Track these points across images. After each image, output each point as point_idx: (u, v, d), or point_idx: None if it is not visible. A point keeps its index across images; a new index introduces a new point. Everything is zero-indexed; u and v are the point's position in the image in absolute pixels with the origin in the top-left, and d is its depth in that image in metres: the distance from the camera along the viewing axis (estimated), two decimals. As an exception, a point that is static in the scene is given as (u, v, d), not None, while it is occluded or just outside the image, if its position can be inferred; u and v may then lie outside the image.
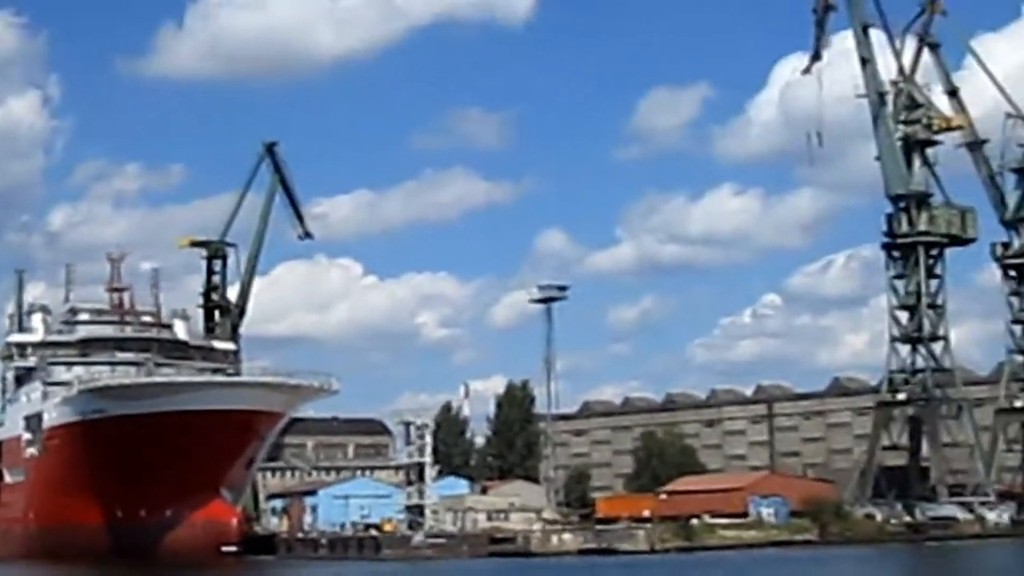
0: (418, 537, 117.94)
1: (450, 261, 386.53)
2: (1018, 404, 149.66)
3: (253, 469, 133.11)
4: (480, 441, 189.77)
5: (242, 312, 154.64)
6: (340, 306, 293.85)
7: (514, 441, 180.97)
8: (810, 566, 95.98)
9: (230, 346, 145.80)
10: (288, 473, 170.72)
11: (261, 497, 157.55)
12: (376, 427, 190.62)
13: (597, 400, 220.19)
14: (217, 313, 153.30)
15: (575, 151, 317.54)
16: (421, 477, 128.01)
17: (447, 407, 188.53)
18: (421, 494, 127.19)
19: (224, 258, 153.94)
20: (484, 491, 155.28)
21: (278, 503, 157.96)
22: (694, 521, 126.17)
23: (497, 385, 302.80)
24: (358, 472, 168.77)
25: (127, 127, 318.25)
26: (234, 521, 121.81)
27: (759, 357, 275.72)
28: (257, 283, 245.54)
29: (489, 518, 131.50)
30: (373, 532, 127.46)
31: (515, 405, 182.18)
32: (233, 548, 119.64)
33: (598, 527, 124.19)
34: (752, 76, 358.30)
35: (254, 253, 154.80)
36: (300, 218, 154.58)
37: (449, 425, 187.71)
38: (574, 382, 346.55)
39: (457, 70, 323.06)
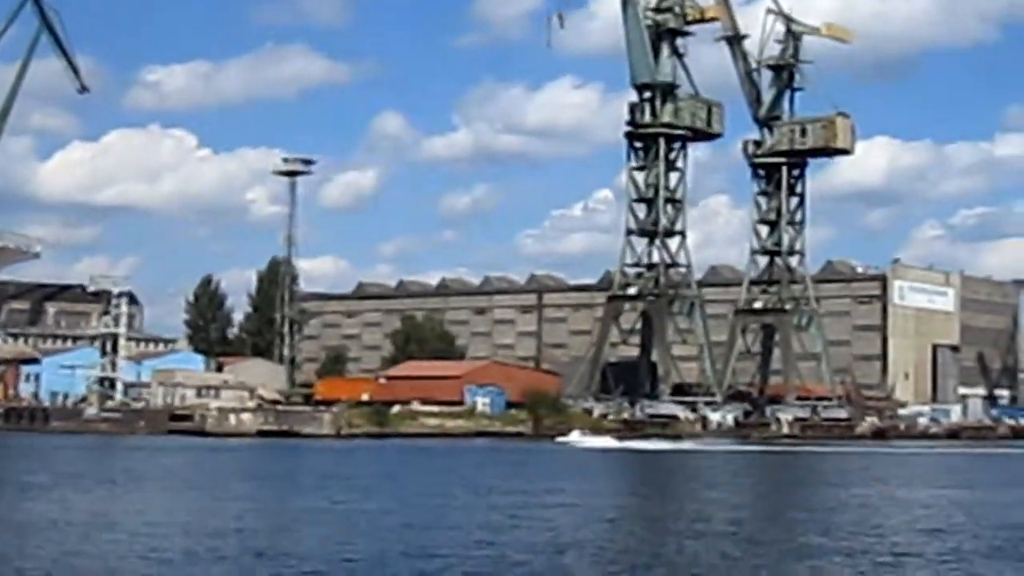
0: (90, 410, 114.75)
1: (285, 138, 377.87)
2: (757, 305, 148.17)
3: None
4: (240, 317, 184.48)
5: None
6: (171, 177, 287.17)
7: (275, 319, 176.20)
8: (462, 455, 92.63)
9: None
10: (26, 339, 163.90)
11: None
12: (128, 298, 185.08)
13: (372, 282, 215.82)
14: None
15: (416, 35, 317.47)
16: (115, 349, 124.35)
17: (207, 280, 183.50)
18: (113, 366, 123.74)
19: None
20: (220, 368, 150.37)
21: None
22: (396, 408, 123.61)
23: (324, 264, 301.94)
24: (96, 342, 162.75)
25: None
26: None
27: (588, 251, 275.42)
28: (87, 149, 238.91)
29: (199, 394, 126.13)
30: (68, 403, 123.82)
31: (276, 283, 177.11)
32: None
33: (279, 408, 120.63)
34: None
35: (5, 108, 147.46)
36: (75, 71, 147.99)
37: (208, 299, 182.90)
38: (402, 265, 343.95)
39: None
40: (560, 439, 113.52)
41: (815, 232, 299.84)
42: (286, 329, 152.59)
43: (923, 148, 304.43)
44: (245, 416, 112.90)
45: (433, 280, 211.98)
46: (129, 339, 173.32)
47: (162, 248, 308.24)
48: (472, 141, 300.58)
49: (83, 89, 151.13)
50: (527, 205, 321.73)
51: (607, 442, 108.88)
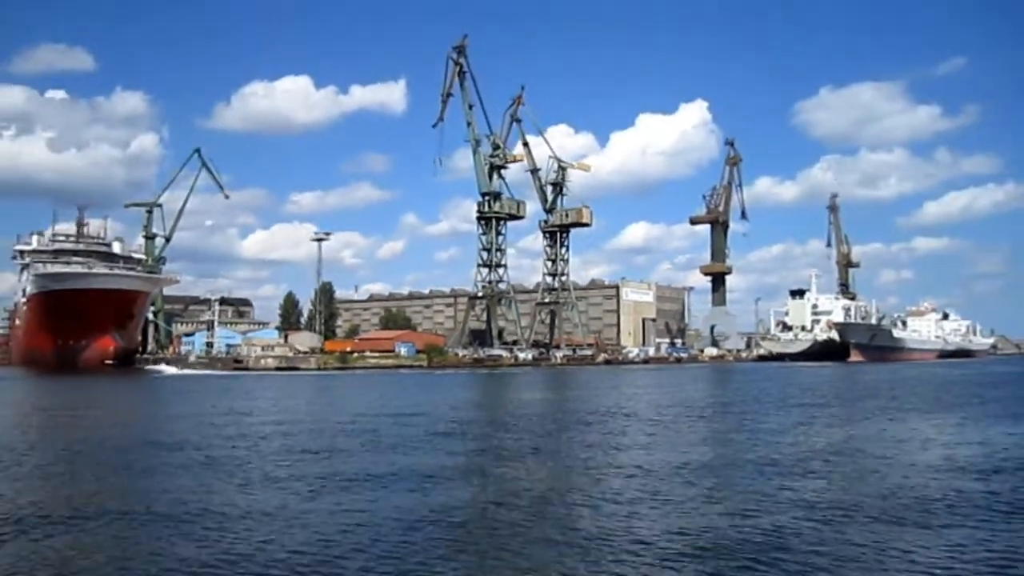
0: (192, 357, 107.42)
1: (360, 228, 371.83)
2: (547, 300, 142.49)
3: (137, 321, 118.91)
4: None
5: (168, 240, 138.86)
6: (304, 247, 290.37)
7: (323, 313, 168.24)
8: (390, 377, 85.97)
9: (142, 256, 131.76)
10: (186, 324, 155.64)
11: (174, 335, 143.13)
12: (245, 302, 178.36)
13: (378, 292, 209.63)
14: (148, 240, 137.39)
15: (418, 175, 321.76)
16: (212, 327, 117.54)
17: (289, 294, 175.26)
18: (212, 335, 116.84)
19: (151, 212, 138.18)
20: (286, 337, 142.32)
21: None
22: (355, 354, 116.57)
23: (376, 287, 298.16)
24: (226, 326, 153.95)
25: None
26: (112, 348, 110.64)
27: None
28: (263, 233, 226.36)
29: (262, 349, 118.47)
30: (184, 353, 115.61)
31: (324, 293, 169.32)
32: (111, 361, 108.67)
33: (290, 354, 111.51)
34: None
35: (181, 209, 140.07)
36: (221, 187, 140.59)
37: (290, 304, 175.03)
38: (415, 288, 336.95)
39: (364, 136, 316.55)
40: (151, 367, 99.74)
41: (611, 267, 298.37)
42: (317, 317, 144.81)
43: (661, 228, 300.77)
44: (269, 359, 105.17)
45: (406, 291, 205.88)
46: (241, 323, 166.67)
47: (300, 281, 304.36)
48: (449, 226, 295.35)
49: (226, 196, 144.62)
50: (475, 256, 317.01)
51: (189, 371, 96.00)
